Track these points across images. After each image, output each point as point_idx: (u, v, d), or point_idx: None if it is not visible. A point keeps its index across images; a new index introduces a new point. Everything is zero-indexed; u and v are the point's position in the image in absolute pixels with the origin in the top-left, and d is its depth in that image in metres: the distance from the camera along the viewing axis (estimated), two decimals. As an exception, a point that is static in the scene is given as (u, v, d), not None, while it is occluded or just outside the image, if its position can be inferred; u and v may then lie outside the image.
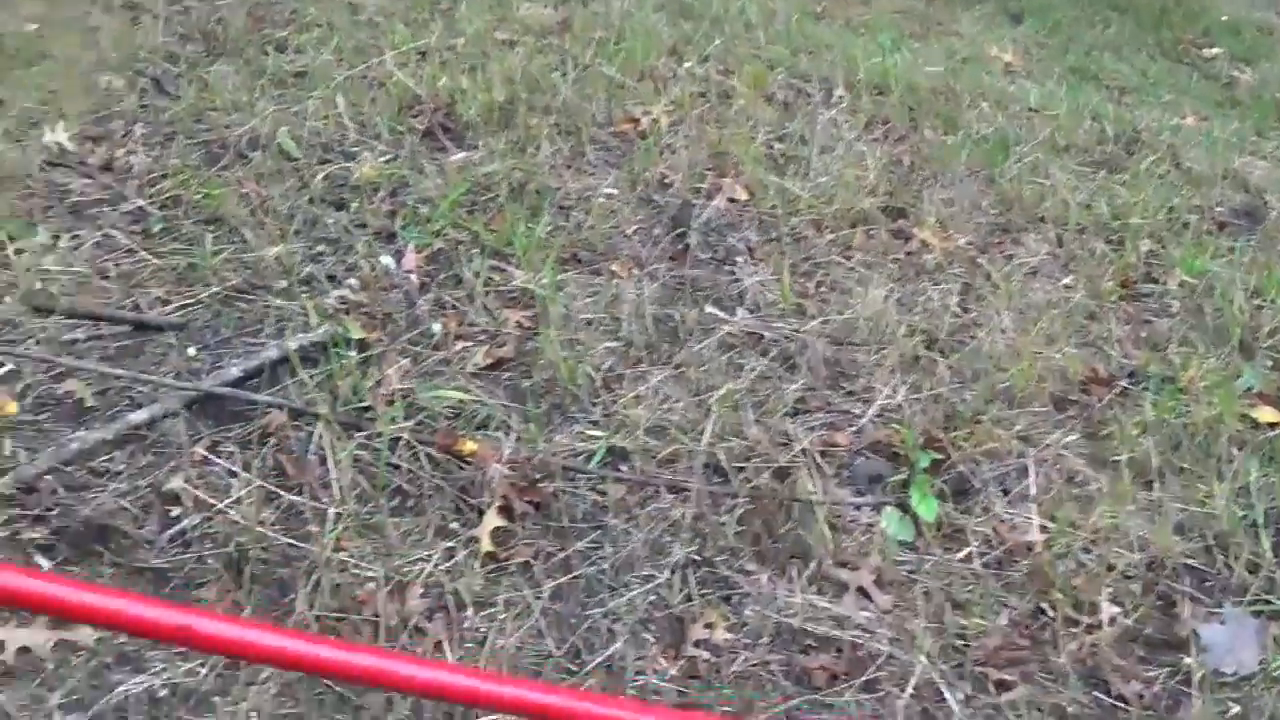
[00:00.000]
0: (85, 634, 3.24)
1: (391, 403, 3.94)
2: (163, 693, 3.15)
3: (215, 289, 4.49)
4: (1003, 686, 3.44)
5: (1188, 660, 3.56)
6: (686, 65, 6.52)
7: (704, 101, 6.12)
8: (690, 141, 5.67)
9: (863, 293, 4.78)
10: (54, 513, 3.56)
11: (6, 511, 3.54)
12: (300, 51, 6.22)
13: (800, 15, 7.72)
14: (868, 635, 3.51)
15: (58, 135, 5.31)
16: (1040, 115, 6.91)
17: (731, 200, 5.28)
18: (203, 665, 3.21)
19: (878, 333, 4.61)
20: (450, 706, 3.18)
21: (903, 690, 3.37)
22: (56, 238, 4.68)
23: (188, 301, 4.46)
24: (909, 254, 5.20)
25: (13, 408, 3.95)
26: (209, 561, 3.48)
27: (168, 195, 4.97)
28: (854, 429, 4.21)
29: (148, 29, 6.43)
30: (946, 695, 3.38)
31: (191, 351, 4.23)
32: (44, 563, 3.44)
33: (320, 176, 5.08)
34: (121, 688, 3.13)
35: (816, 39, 7.41)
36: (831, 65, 6.82)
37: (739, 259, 4.94)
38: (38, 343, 4.20)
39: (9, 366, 4.09)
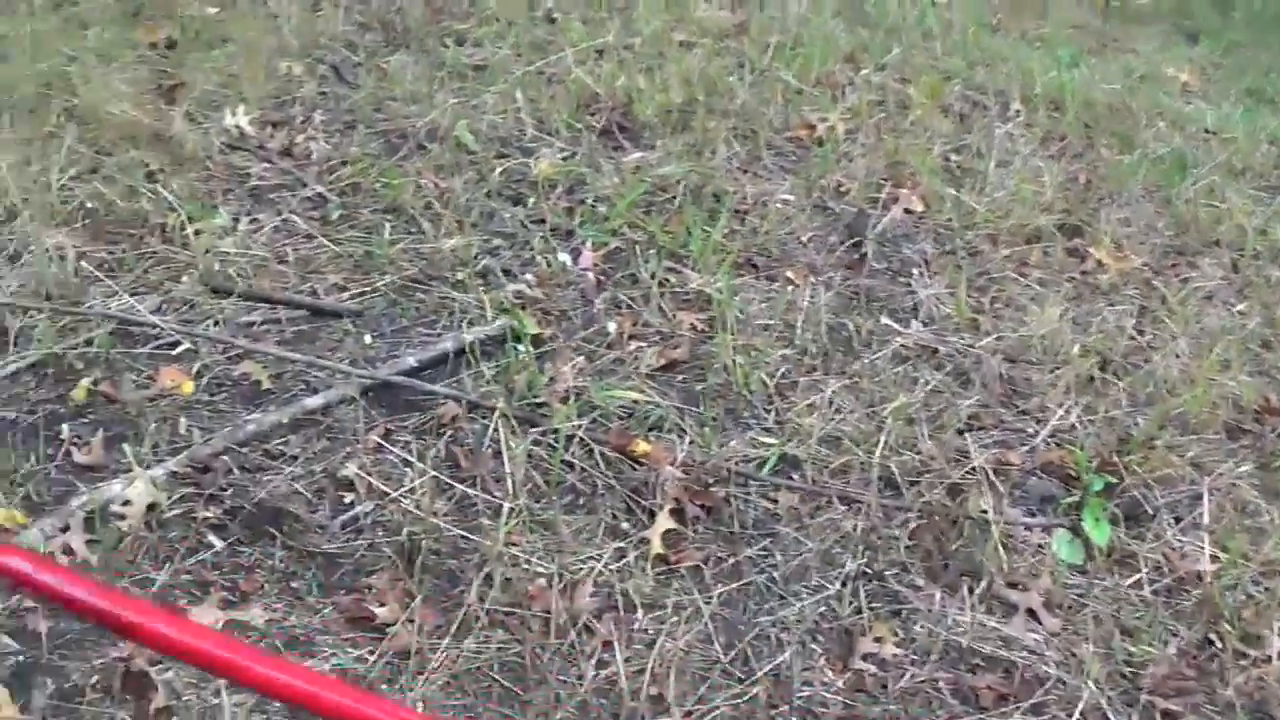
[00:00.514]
0: (256, 614, 3.29)
1: (566, 400, 3.96)
2: (331, 677, 3.17)
3: (392, 278, 4.54)
4: (1169, 717, 3.40)
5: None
6: (863, 73, 6.49)
7: (881, 110, 6.09)
8: (867, 150, 5.64)
9: (1037, 310, 4.74)
10: (228, 493, 3.62)
11: (181, 489, 3.60)
12: (478, 45, 6.25)
13: (976, 26, 7.65)
14: (1036, 657, 3.48)
15: (238, 119, 5.39)
16: (1217, 137, 6.80)
17: (908, 211, 5.25)
18: (371, 652, 3.24)
19: (1052, 352, 4.56)
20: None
21: (1070, 715, 3.34)
22: (236, 220, 4.75)
23: (364, 289, 4.51)
24: (1084, 273, 5.15)
25: (189, 387, 4.01)
26: (381, 549, 3.51)
27: (346, 183, 5.02)
28: (1027, 448, 4.17)
29: (327, 17, 6.49)
30: (1114, 723, 3.34)
31: (368, 339, 4.28)
32: (216, 542, 3.49)
33: (498, 171, 5.10)
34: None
35: (992, 51, 7.34)
36: (1008, 78, 6.75)
37: (914, 271, 4.91)
38: (215, 324, 4.27)
39: (186, 345, 4.16)
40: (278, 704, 3.09)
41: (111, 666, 3.12)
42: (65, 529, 3.44)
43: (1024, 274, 5.01)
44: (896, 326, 4.58)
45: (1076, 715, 3.34)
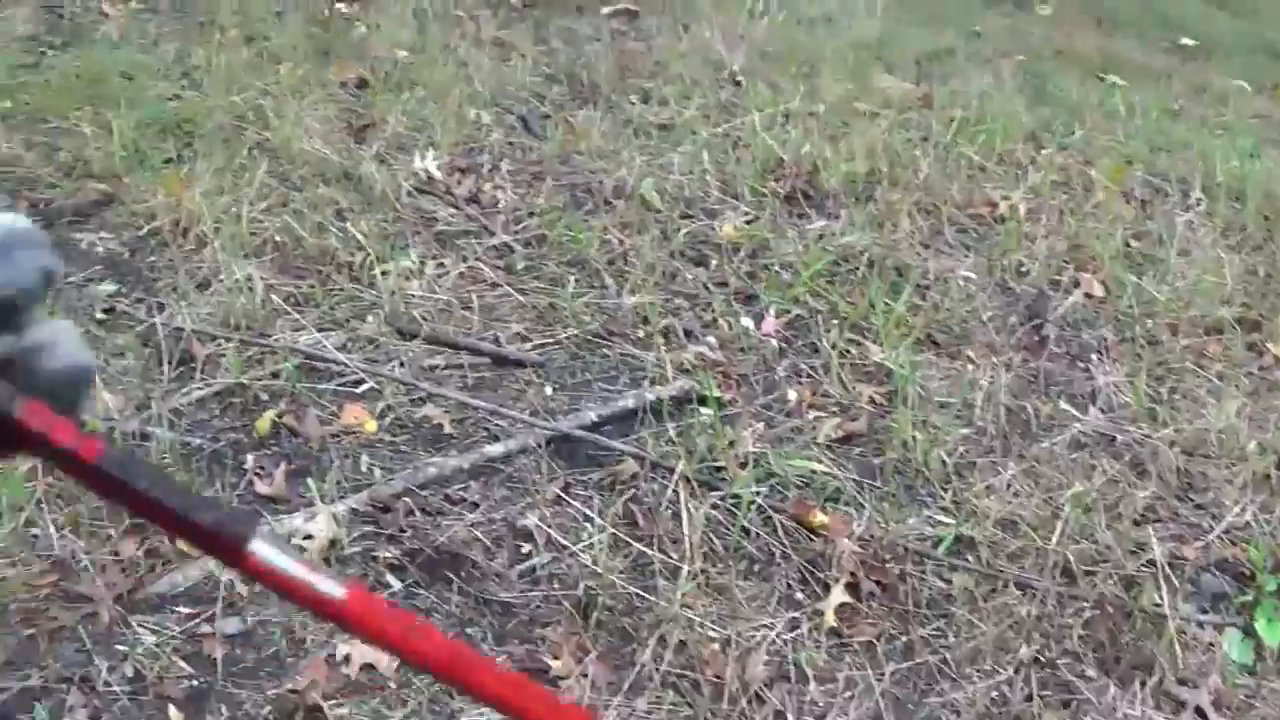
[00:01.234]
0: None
1: (745, 465, 3.97)
2: (491, 730, 3.20)
3: (574, 331, 4.58)
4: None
5: None
6: (1045, 152, 6.47)
7: (1063, 191, 6.06)
8: (1048, 231, 5.62)
9: (1215, 404, 4.69)
10: (407, 534, 3.66)
11: (361, 527, 3.65)
12: (664, 104, 6.31)
13: (1159, 112, 7.60)
14: (1204, 757, 3.44)
15: (427, 163, 5.46)
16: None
17: (1088, 296, 5.22)
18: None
19: (1229, 447, 4.51)
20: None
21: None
22: (422, 263, 4.80)
23: (546, 340, 4.55)
24: (1262, 369, 5.09)
25: (372, 425, 4.06)
26: (557, 602, 3.53)
27: (532, 233, 5.08)
28: (1202, 543, 4.12)
29: (516, 68, 6.58)
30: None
31: (549, 391, 4.31)
32: (394, 583, 3.53)
33: (682, 231, 5.14)
34: (461, 716, 3.20)
35: (1174, 137, 7.28)
36: (1189, 166, 6.70)
37: (1093, 356, 4.88)
38: (400, 365, 4.32)
39: (371, 384, 4.22)
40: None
41: (285, 698, 3.16)
42: (247, 558, 3.49)
43: (1202, 366, 4.96)
44: (1075, 412, 4.55)
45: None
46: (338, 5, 7.35)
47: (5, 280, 0.90)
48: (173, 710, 3.06)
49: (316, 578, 0.93)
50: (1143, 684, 3.57)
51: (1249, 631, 3.82)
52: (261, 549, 0.92)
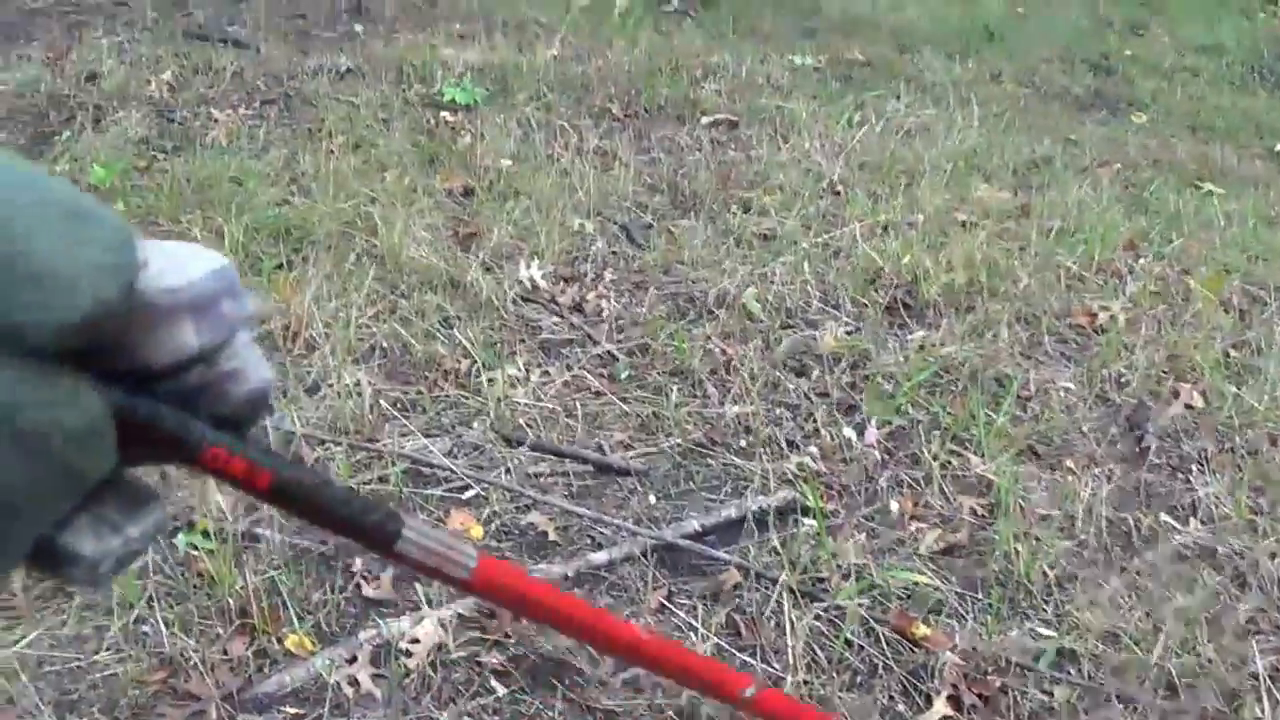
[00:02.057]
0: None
1: (848, 577, 3.99)
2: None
3: (676, 440, 4.63)
4: None
5: None
6: (1142, 261, 6.49)
7: (1161, 301, 6.08)
8: (1147, 341, 5.63)
9: (1316, 517, 4.68)
10: (512, 640, 3.70)
11: (467, 633, 3.70)
12: (765, 214, 6.38)
13: (1256, 219, 7.60)
14: None
15: (532, 271, 5.55)
16: None
17: (1188, 406, 5.22)
18: None
19: (1330, 560, 4.50)
20: None
21: None
22: (528, 371, 4.88)
23: (649, 450, 4.60)
24: (1361, 484, 5.07)
25: (478, 532, 4.13)
26: (661, 710, 3.56)
27: (635, 343, 5.14)
28: (1304, 657, 4.12)
29: (618, 177, 6.67)
30: None
31: (652, 499, 4.36)
32: (499, 688, 3.57)
33: (784, 341, 5.18)
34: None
35: (1271, 245, 7.27)
36: (1287, 272, 6.70)
37: (1193, 467, 4.88)
38: (506, 472, 4.38)
39: (476, 491, 4.28)
40: None
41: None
42: (352, 660, 3.56)
43: (1303, 479, 4.96)
44: (1175, 524, 4.55)
45: None
46: (443, 114, 7.48)
47: (213, 334, 0.96)
48: (282, 813, 3.12)
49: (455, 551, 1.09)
50: (1246, 801, 3.57)
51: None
52: (409, 537, 1.10)
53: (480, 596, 1.10)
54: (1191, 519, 4.61)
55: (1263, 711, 3.77)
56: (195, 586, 3.76)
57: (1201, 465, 4.92)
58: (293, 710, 3.43)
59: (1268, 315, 6.18)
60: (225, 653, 3.57)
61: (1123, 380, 5.35)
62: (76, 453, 0.86)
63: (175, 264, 0.95)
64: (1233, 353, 5.75)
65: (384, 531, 1.09)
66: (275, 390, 4.55)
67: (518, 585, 1.17)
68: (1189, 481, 4.81)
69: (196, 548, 3.84)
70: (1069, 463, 4.76)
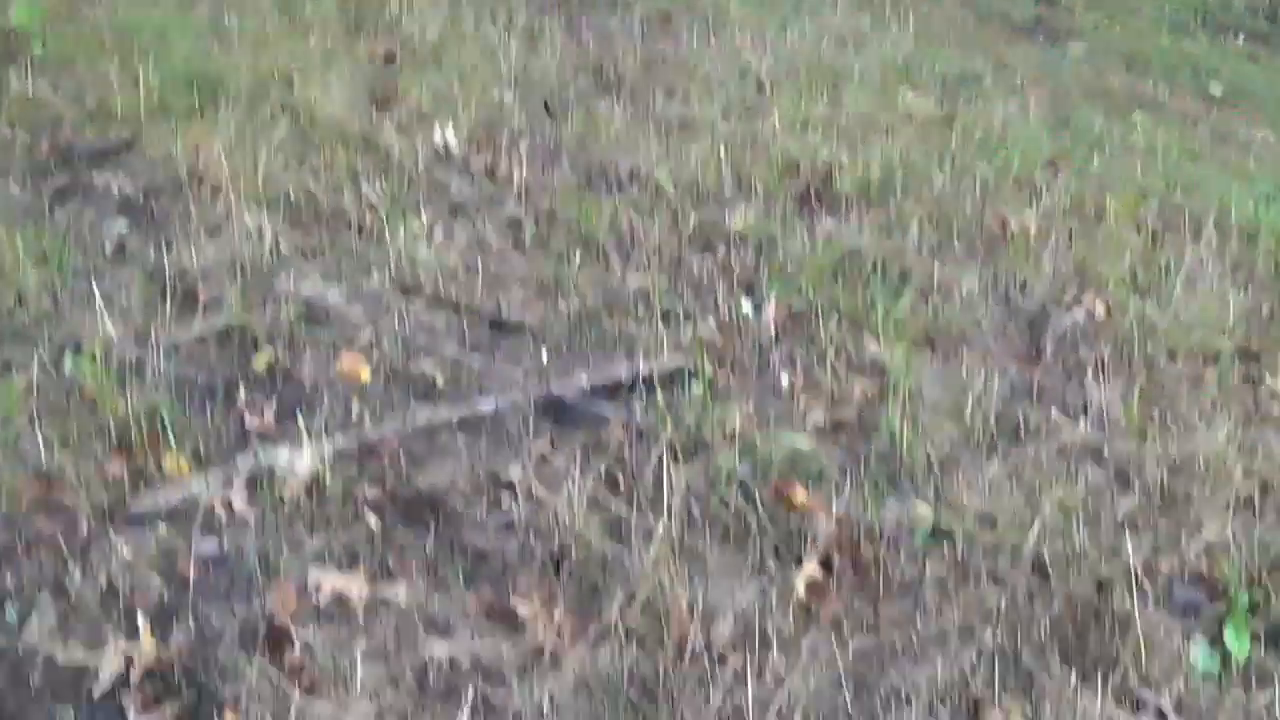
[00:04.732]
0: (400, 592, 3.36)
1: (731, 441, 4.00)
2: (464, 663, 3.24)
3: (575, 304, 4.62)
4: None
5: None
6: (1061, 177, 6.50)
7: (1075, 216, 6.09)
8: (1056, 252, 5.65)
9: (1206, 429, 4.70)
10: (390, 476, 3.71)
11: (346, 467, 3.69)
12: (687, 101, 6.35)
13: (1180, 152, 7.63)
14: (1160, 758, 3.45)
15: (446, 135, 5.53)
16: None
17: (1090, 315, 5.24)
18: (507, 645, 3.29)
19: (1215, 469, 4.52)
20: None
21: (1185, 820, 3.31)
22: (432, 228, 4.86)
23: (547, 311, 4.60)
24: (1256, 401, 5.10)
25: (366, 375, 4.12)
26: (532, 552, 3.57)
27: (544, 210, 5.12)
28: (1177, 556, 4.14)
29: (544, 55, 6.64)
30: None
31: (544, 357, 4.36)
32: (372, 520, 3.57)
33: (692, 219, 5.17)
34: (426, 650, 3.24)
35: (1191, 176, 7.30)
36: (1204, 204, 6.71)
37: (1089, 371, 4.90)
38: (400, 321, 4.37)
39: (369, 337, 4.28)
40: (409, 674, 3.17)
41: (252, 619, 3.20)
42: (228, 485, 3.55)
43: (1197, 392, 4.98)
44: (1064, 423, 4.57)
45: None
46: (372, -19, 7.42)
47: None
48: (141, 620, 3.10)
49: None
50: (1105, 681, 3.59)
51: (1217, 643, 3.84)
52: None
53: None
54: (1082, 419, 4.63)
55: (1131, 603, 3.79)
56: (78, 408, 3.74)
57: (1098, 371, 4.93)
58: (165, 529, 3.42)
59: (1179, 240, 6.19)
60: (102, 471, 3.56)
61: (1027, 286, 5.37)
62: None
63: None
64: (1140, 271, 5.77)
65: None
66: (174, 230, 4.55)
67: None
68: (1082, 385, 4.83)
69: (83, 372, 3.81)
70: (965, 356, 4.78)
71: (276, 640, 3.16)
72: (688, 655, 3.34)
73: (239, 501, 3.51)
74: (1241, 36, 11.87)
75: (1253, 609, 3.92)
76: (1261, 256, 6.26)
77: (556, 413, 4.09)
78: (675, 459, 3.87)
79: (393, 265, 4.59)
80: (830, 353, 4.56)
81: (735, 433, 4.05)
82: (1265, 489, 4.50)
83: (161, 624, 3.15)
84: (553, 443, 3.94)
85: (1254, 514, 4.37)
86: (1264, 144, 8.73)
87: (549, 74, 6.45)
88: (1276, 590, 4.01)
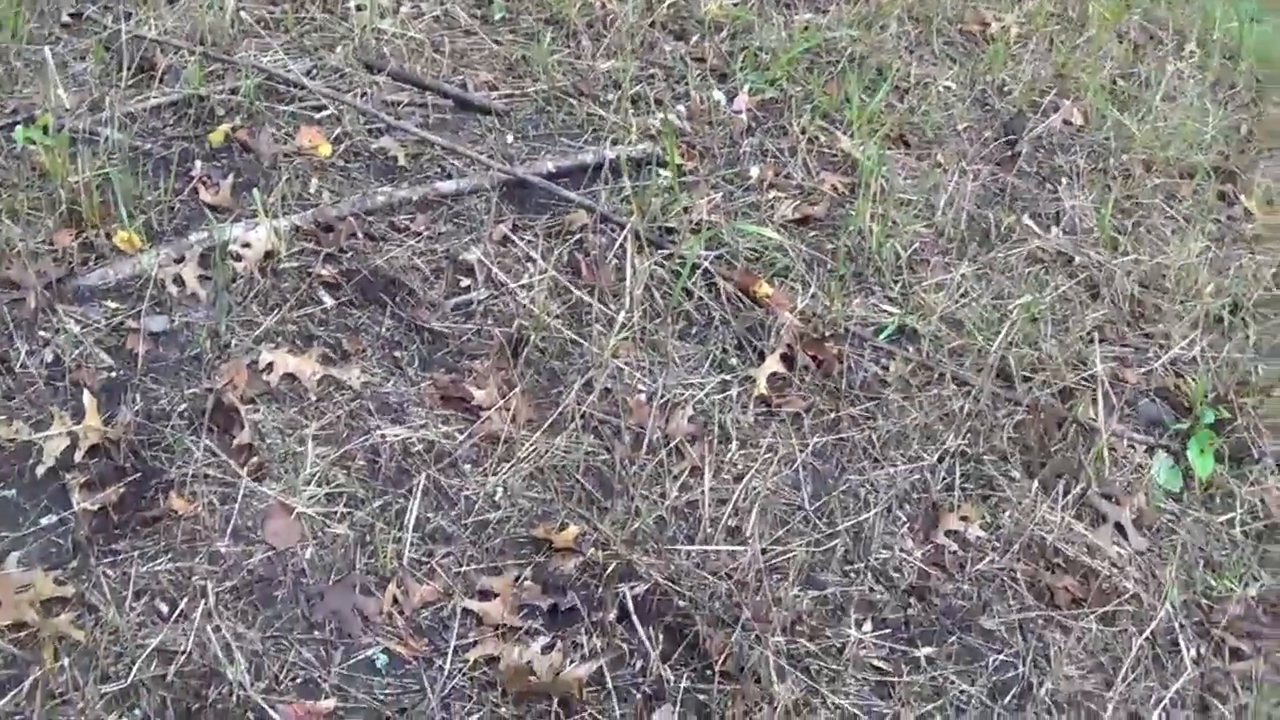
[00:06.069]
0: (354, 374, 3.29)
1: (697, 230, 3.92)
2: (417, 447, 3.19)
3: (543, 86, 4.51)
4: (1237, 655, 3.35)
5: None
6: (1046, -19, 6.37)
7: (1057, 21, 5.97)
8: (1036, 56, 5.54)
9: (1179, 243, 4.65)
10: (346, 255, 3.63)
11: (301, 244, 3.61)
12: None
13: (1168, -37, 7.49)
14: (1116, 571, 3.43)
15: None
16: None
17: (1066, 122, 5.16)
18: (462, 431, 3.24)
19: (1185, 285, 4.47)
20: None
21: (1141, 631, 3.28)
22: (398, 2, 4.73)
23: (514, 93, 4.50)
24: (1230, 219, 5.05)
25: (327, 150, 4.02)
26: (489, 336, 3.51)
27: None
28: (1145, 370, 4.10)
29: None
30: (1182, 648, 3.28)
31: (510, 139, 4.26)
32: (327, 299, 3.50)
33: (666, 4, 5.04)
34: (378, 433, 3.18)
35: (1179, -9, 7.18)
36: (1188, 19, 6.59)
37: (1063, 180, 4.82)
38: (363, 96, 4.26)
39: (330, 111, 4.17)
40: (360, 457, 3.12)
41: (201, 397, 3.13)
42: (180, 260, 3.46)
43: (1171, 205, 4.91)
44: (1036, 229, 4.51)
45: (1147, 633, 3.28)
46: None
47: None
48: (87, 397, 3.03)
49: None
50: (1065, 491, 3.56)
51: (1180, 459, 3.81)
52: None
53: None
54: (1054, 227, 4.57)
55: (1096, 413, 3.75)
56: (28, 180, 3.63)
57: (1072, 179, 4.86)
58: (113, 304, 3.34)
59: (1162, 54, 6.09)
60: (51, 244, 3.46)
61: (1005, 89, 5.27)
62: None
63: None
64: (1120, 81, 5.67)
65: None
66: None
67: None
68: (1056, 192, 4.76)
69: (34, 142, 3.68)
70: (939, 156, 4.70)
71: (225, 421, 3.10)
72: (645, 447, 3.30)
73: (191, 278, 3.42)
74: None
75: (1218, 427, 3.89)
76: (1242, 76, 6.17)
77: (520, 196, 3.99)
78: (640, 247, 3.79)
79: (357, 40, 4.46)
80: (802, 146, 4.47)
81: (701, 223, 3.97)
82: (1235, 307, 4.47)
83: (108, 402, 3.08)
84: (515, 227, 3.85)
85: (1223, 332, 4.34)
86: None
87: None
88: (1242, 409, 3.98)
